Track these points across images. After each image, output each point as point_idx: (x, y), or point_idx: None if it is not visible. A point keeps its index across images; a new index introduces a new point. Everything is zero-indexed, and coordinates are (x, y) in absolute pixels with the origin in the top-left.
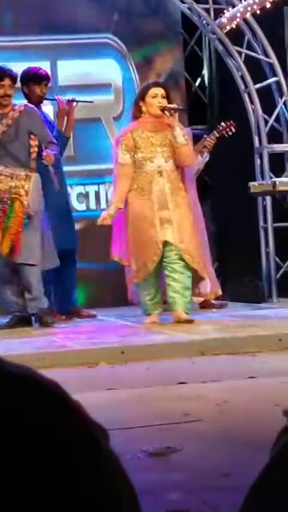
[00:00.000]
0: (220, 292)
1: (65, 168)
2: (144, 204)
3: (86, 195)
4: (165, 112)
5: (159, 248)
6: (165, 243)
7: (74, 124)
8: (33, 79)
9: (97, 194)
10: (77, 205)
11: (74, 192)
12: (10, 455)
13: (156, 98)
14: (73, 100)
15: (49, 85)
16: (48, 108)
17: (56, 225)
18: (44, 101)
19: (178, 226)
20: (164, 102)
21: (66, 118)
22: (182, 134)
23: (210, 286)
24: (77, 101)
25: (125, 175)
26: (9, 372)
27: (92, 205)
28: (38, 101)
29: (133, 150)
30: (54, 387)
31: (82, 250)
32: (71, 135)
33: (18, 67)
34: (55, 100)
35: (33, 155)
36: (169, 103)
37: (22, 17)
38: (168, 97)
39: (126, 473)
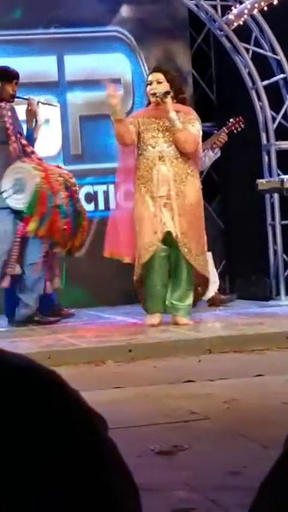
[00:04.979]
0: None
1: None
2: (145, 192)
3: (95, 195)
4: (157, 97)
5: (157, 238)
6: (168, 234)
7: (79, 121)
8: (5, 77)
9: (106, 194)
10: (85, 206)
11: (82, 191)
12: (10, 442)
13: (151, 85)
14: (39, 102)
15: (54, 80)
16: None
17: None
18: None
19: (180, 216)
20: (158, 87)
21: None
22: (177, 119)
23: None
24: (42, 103)
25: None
26: (9, 362)
27: (101, 206)
28: (8, 99)
29: (137, 129)
30: (54, 376)
31: (90, 250)
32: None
33: (24, 62)
34: (27, 99)
35: None
36: (170, 86)
37: (29, 10)
38: (168, 81)
39: (125, 462)
